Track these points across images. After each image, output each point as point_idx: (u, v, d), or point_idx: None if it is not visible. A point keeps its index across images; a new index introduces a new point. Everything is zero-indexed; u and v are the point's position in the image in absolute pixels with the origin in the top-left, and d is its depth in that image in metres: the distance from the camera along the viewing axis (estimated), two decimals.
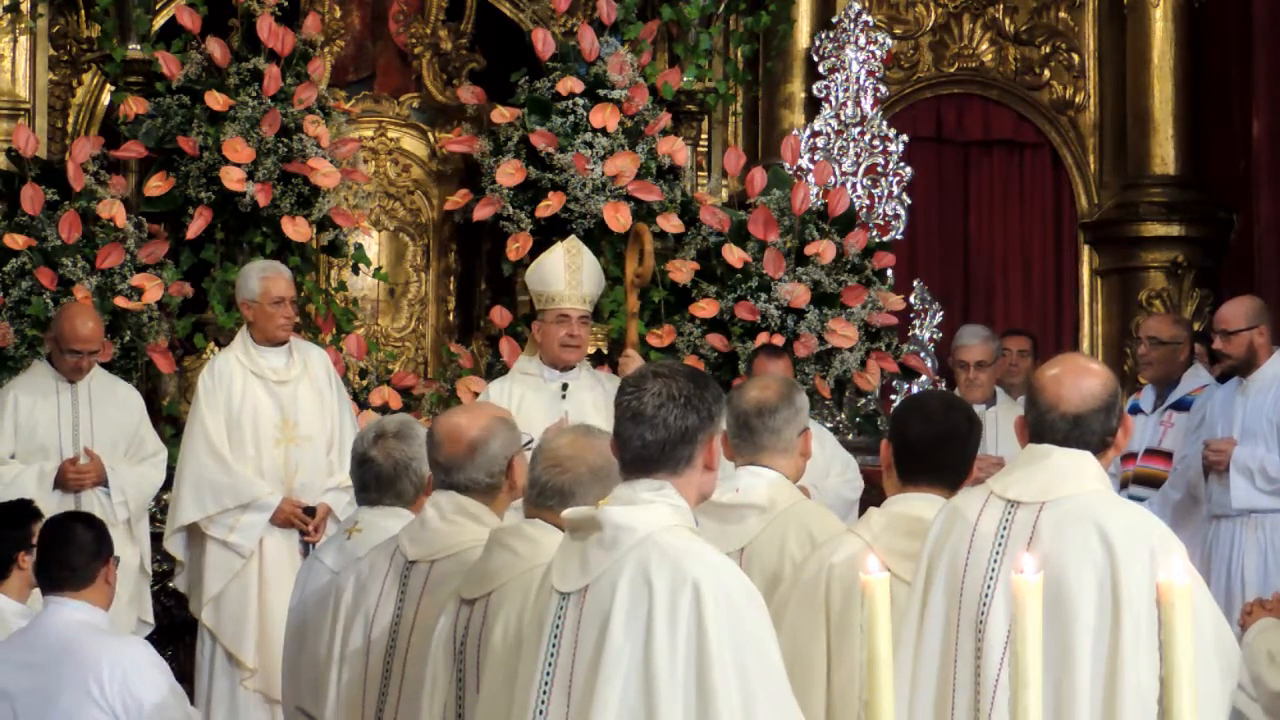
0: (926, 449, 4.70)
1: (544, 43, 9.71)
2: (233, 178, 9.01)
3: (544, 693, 3.85)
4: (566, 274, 8.13)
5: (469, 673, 4.51)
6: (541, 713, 3.84)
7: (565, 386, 8.07)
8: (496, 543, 4.53)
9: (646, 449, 3.91)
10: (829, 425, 9.39)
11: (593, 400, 8.00)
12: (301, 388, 8.13)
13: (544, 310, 8.17)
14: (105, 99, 9.85)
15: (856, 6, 10.50)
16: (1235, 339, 8.08)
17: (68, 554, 5.72)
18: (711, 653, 3.71)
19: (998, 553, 4.27)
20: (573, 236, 8.59)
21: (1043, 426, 4.34)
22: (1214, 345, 8.22)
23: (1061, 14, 11.29)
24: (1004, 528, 4.28)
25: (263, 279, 8.13)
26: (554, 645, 3.86)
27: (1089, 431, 4.31)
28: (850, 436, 9.57)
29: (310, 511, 7.99)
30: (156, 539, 8.39)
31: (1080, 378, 4.35)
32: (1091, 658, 4.15)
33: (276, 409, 8.08)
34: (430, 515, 4.93)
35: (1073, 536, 4.20)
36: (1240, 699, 5.61)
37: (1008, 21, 11.25)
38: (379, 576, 5.01)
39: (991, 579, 4.26)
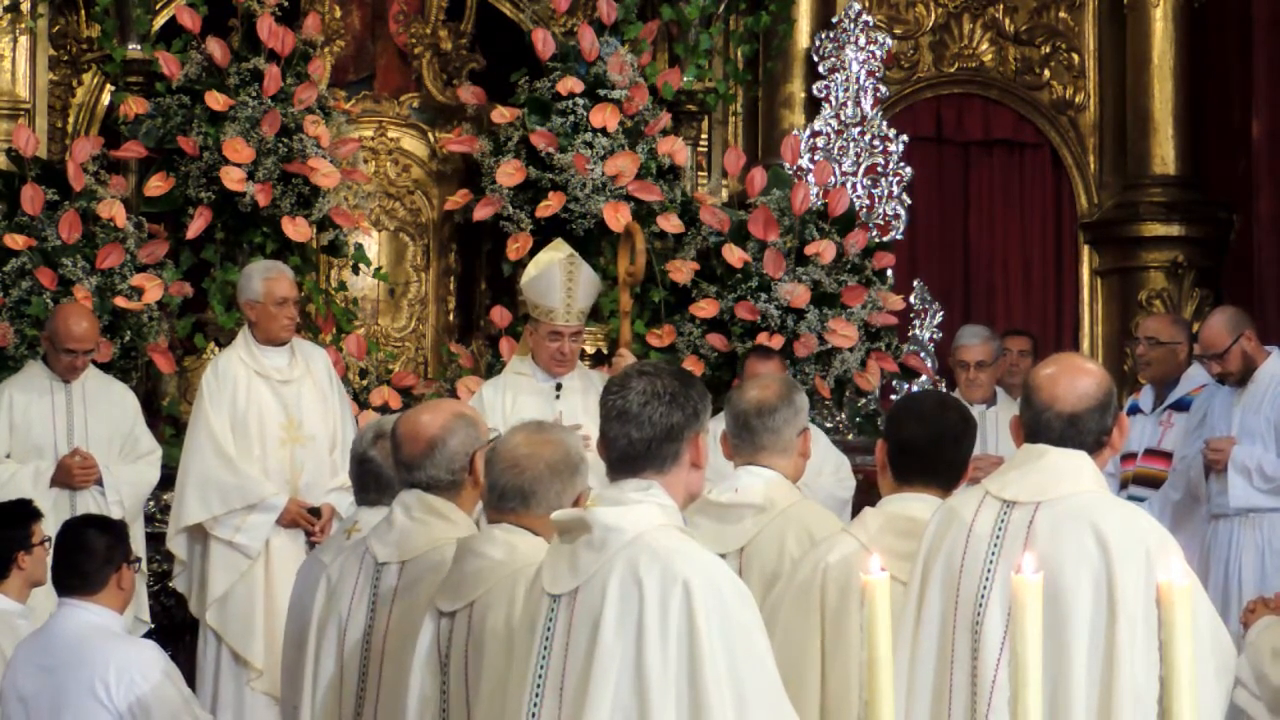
0: (921, 449, 4.70)
1: (544, 43, 9.71)
2: (233, 178, 9.01)
3: (536, 695, 3.85)
4: (563, 292, 8.11)
5: (453, 684, 4.49)
6: (534, 715, 3.84)
7: (559, 386, 8.09)
8: (468, 551, 4.48)
9: (633, 447, 3.91)
10: (829, 425, 9.39)
11: (586, 400, 8.00)
12: (305, 388, 8.15)
13: (538, 321, 8.17)
14: (105, 99, 9.85)
15: (856, 6, 10.50)
16: (1228, 356, 8.10)
17: (78, 560, 5.74)
18: (703, 652, 3.71)
19: (993, 553, 4.26)
20: (572, 252, 8.48)
21: (1038, 426, 4.33)
22: (1211, 372, 8.23)
23: (1061, 14, 11.29)
24: (1000, 528, 4.28)
25: (266, 279, 8.15)
26: (545, 647, 3.86)
27: (1084, 431, 4.31)
28: (850, 436, 9.57)
29: (315, 512, 8.00)
30: (154, 538, 8.39)
31: (1075, 377, 4.34)
32: (1087, 658, 4.14)
33: (281, 409, 8.08)
34: (397, 515, 4.91)
35: (1068, 537, 4.19)
36: (1243, 696, 5.62)
37: (1008, 21, 11.25)
38: (350, 579, 4.99)
39: (987, 579, 4.25)
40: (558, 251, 8.32)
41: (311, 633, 5.10)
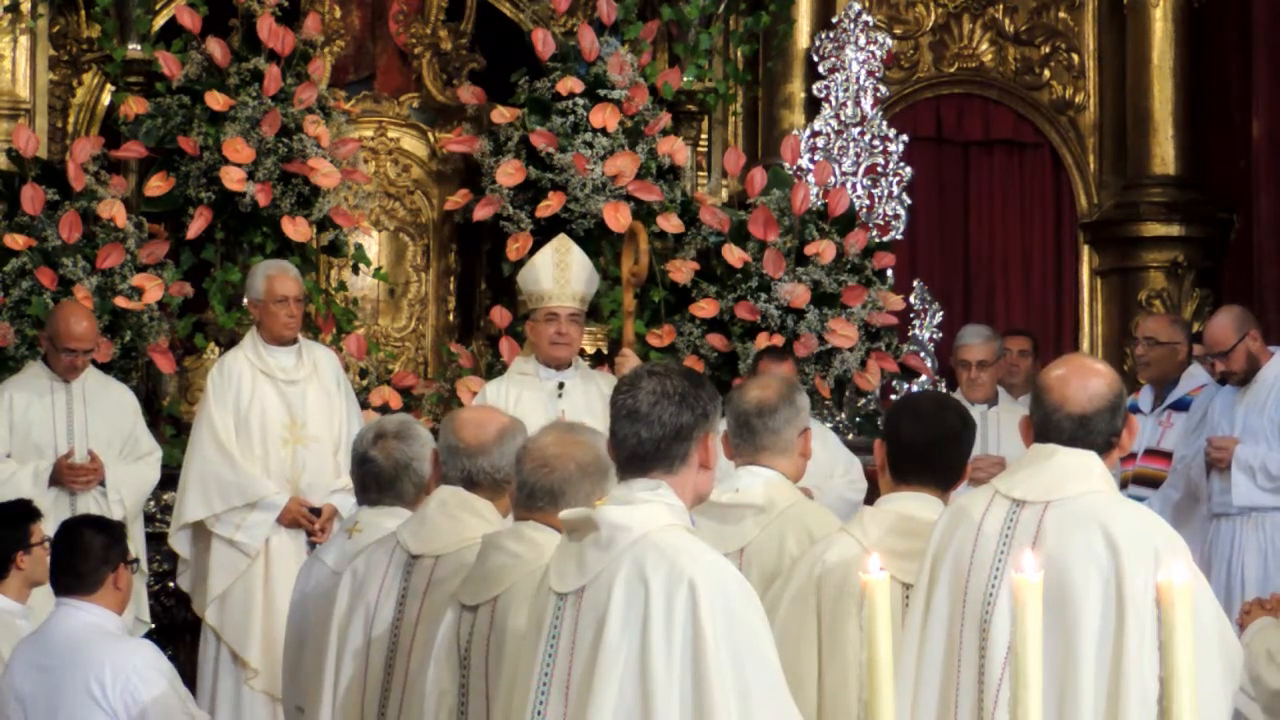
0: (920, 449, 4.70)
1: (544, 43, 9.71)
2: (233, 178, 9.01)
3: (542, 693, 3.85)
4: (555, 272, 8.14)
5: (473, 679, 4.49)
6: (540, 713, 3.84)
7: (561, 386, 8.08)
8: (493, 546, 4.50)
9: (642, 446, 3.92)
10: (829, 425, 9.39)
11: (589, 400, 8.00)
12: (310, 388, 8.15)
13: (534, 310, 8.18)
14: (105, 99, 9.85)
15: (856, 6, 10.50)
16: (1233, 355, 8.09)
17: (73, 559, 5.74)
18: (708, 650, 3.72)
19: (1002, 552, 4.26)
20: (562, 235, 8.59)
21: (1048, 426, 4.33)
22: (1215, 369, 8.22)
23: (1061, 14, 11.29)
24: (1009, 527, 4.28)
25: (267, 277, 8.17)
26: (552, 645, 3.86)
27: (1094, 432, 4.31)
28: (850, 436, 9.56)
29: (316, 512, 8.00)
30: (155, 538, 8.39)
31: (1086, 378, 4.35)
32: (1095, 658, 4.14)
33: (284, 409, 8.09)
34: (432, 510, 4.92)
35: (1077, 537, 4.19)
36: (1240, 698, 5.61)
37: (1008, 21, 11.24)
38: (378, 573, 4.99)
39: (996, 578, 4.26)
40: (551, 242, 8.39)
41: (333, 630, 5.09)
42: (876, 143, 10.40)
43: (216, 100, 9.12)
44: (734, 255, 9.58)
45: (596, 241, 9.42)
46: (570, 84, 9.57)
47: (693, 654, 3.73)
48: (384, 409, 8.97)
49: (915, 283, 10.59)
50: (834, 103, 10.40)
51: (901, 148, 10.41)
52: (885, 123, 10.47)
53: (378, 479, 5.44)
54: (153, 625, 8.14)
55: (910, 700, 4.29)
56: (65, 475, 7.94)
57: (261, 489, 7.96)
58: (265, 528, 7.95)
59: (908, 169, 10.40)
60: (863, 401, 9.89)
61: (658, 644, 3.73)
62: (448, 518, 4.88)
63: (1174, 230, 10.96)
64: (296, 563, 7.65)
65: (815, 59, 10.47)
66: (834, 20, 10.49)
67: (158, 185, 9.18)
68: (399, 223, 10.19)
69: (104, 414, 8.17)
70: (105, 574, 5.75)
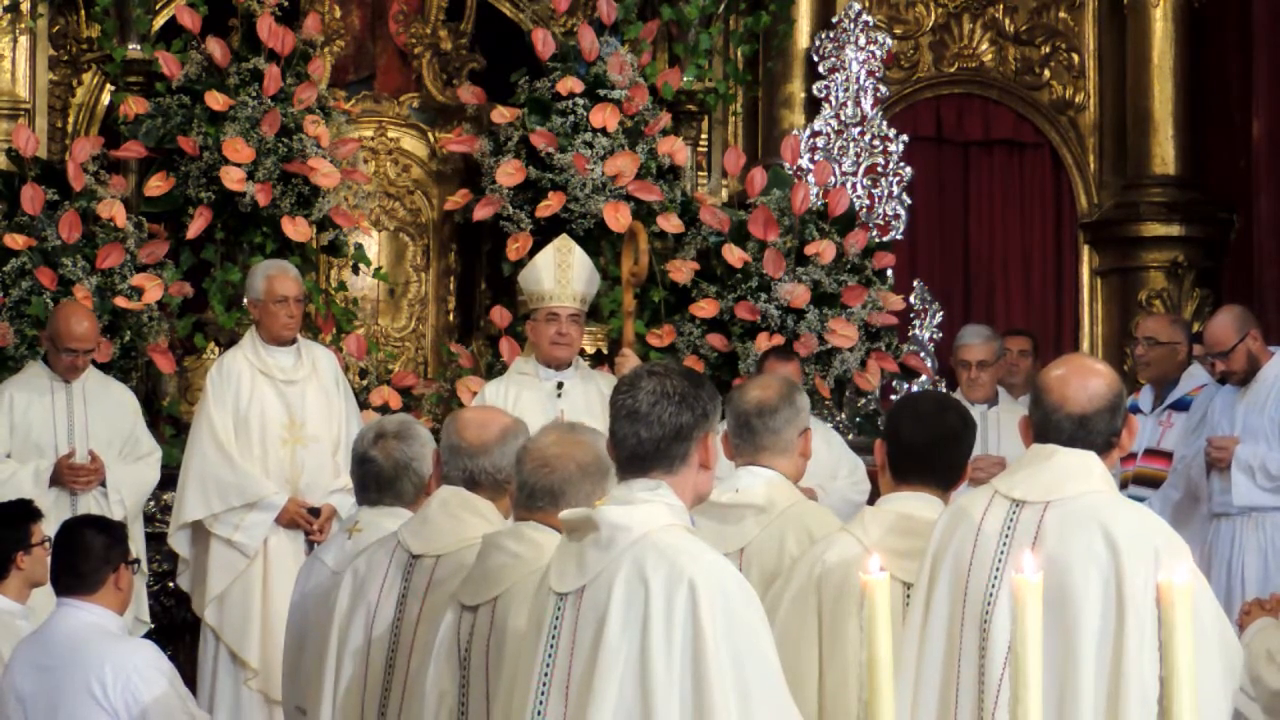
0: (920, 449, 4.70)
1: (544, 43, 9.71)
2: (233, 178, 9.01)
3: (542, 693, 3.85)
4: (556, 272, 8.16)
5: (473, 679, 4.49)
6: (540, 713, 3.84)
7: (560, 385, 8.09)
8: (493, 546, 4.49)
9: (642, 446, 3.91)
10: (829, 425, 9.39)
11: (588, 399, 8.01)
12: (309, 388, 8.15)
13: (535, 310, 8.19)
14: (105, 99, 9.85)
15: (856, 6, 10.50)
16: (1233, 355, 8.08)
17: (74, 559, 5.75)
18: (708, 651, 3.72)
19: (1002, 552, 4.27)
20: (564, 235, 8.60)
21: (1048, 427, 4.34)
22: (1215, 369, 8.22)
23: (1061, 14, 11.29)
24: (1009, 527, 4.28)
25: (267, 277, 8.17)
26: (552, 645, 3.86)
27: (1094, 432, 4.32)
28: (850, 436, 9.56)
29: (315, 512, 8.00)
30: (155, 539, 8.39)
31: (1086, 378, 4.35)
32: (1095, 658, 4.14)
33: (284, 409, 8.09)
34: (434, 510, 4.92)
35: (1077, 537, 4.20)
36: (1240, 698, 5.61)
37: (1008, 21, 11.25)
38: (379, 573, 4.99)
39: (996, 578, 4.26)
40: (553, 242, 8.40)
41: (333, 630, 5.09)
42: (876, 143, 10.40)
43: (216, 100, 9.12)
44: (734, 255, 9.58)
45: (596, 241, 9.42)
46: (570, 84, 9.57)
47: (693, 654, 3.73)
48: (384, 409, 8.97)
49: (915, 283, 10.59)
50: (834, 103, 10.40)
51: (901, 148, 10.41)
52: (885, 123, 10.47)
53: (378, 479, 5.44)
54: (152, 625, 8.14)
55: (910, 700, 4.29)
56: (66, 475, 7.95)
57: (260, 489, 7.96)
58: (264, 528, 7.96)
59: (908, 169, 10.40)
60: (863, 401, 9.89)
61: (658, 644, 3.74)
62: (449, 518, 4.88)
63: (1174, 230, 10.96)
64: (295, 563, 7.65)
65: (815, 59, 10.47)
66: (834, 20, 10.48)
67: (158, 185, 9.18)
68: (399, 223, 10.19)
69: (104, 414, 8.17)
70: (106, 574, 5.75)
